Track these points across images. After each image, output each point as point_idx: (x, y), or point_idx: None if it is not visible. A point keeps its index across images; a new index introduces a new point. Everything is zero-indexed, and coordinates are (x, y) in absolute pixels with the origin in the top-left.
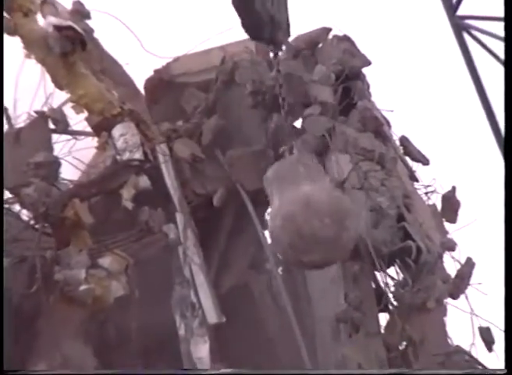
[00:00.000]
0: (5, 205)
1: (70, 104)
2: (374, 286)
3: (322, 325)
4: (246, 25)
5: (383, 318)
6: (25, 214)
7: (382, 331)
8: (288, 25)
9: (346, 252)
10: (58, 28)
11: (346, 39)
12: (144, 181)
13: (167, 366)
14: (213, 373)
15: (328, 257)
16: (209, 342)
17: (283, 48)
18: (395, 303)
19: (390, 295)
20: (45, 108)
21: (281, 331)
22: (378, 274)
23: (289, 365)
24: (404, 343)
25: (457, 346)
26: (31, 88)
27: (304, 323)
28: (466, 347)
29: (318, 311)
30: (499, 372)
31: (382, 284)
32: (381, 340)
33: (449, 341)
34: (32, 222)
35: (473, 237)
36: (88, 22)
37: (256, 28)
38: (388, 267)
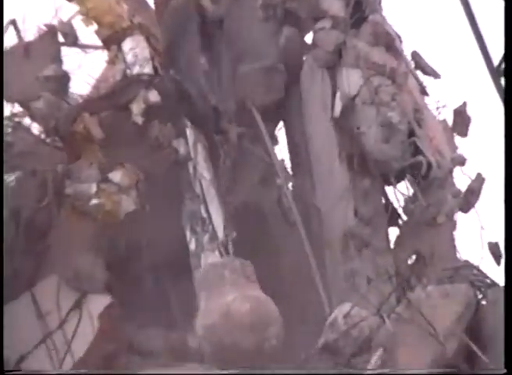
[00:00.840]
0: (16, 119)
1: (80, 17)
2: (384, 201)
3: (332, 240)
4: (190, 119)
5: (393, 233)
6: (36, 128)
7: (392, 246)
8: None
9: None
10: None
11: None
12: (154, 96)
13: (177, 279)
14: (216, 373)
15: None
16: (220, 257)
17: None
18: (405, 218)
19: (400, 210)
20: (55, 21)
21: (291, 245)
22: (388, 189)
23: (298, 277)
24: (413, 257)
25: (466, 261)
26: (41, 1)
27: (313, 238)
28: (475, 262)
29: (327, 226)
30: (499, 372)
31: (392, 200)
32: (390, 255)
33: (458, 255)
34: (43, 136)
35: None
36: None
37: (199, 121)
38: (398, 182)
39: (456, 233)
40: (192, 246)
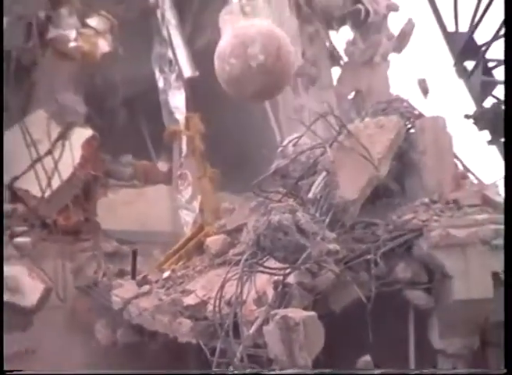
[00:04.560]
0: None
1: None
2: (328, 44)
3: None
4: None
5: (336, 73)
6: None
7: (335, 84)
8: None
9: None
10: None
11: None
12: None
13: (148, 118)
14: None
15: (261, 90)
16: (185, 93)
17: None
18: (346, 59)
19: (342, 52)
20: None
21: None
22: (332, 34)
23: (253, 112)
24: (353, 93)
25: (397, 95)
26: None
27: None
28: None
29: None
30: (499, 372)
31: (335, 43)
32: (333, 91)
33: (391, 91)
34: None
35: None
36: None
37: None
38: (340, 28)
39: (389, 72)
40: (161, 84)
